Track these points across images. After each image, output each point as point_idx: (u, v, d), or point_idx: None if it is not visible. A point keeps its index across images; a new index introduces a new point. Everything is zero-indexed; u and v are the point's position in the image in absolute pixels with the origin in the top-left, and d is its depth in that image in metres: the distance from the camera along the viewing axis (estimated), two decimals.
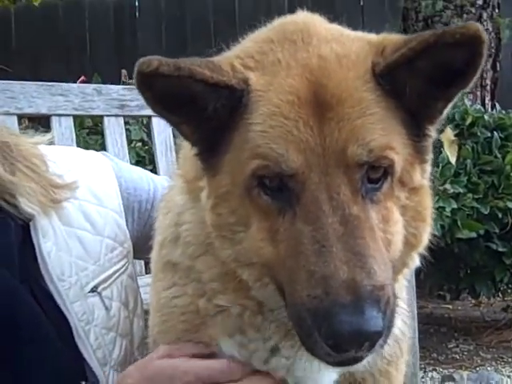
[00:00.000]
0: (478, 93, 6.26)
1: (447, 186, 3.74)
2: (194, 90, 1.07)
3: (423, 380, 3.79)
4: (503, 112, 4.31)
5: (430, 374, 3.89)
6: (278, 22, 1.22)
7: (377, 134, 1.08)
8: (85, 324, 1.41)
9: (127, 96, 2.93)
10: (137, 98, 2.95)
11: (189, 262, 1.25)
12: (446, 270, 4.43)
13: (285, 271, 1.07)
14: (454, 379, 3.69)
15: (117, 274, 1.49)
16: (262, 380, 1.22)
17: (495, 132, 3.97)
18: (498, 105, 5.10)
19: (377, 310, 1.00)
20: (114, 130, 2.85)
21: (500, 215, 3.98)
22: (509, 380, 3.73)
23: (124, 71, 4.73)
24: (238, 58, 1.14)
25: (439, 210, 3.74)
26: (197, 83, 1.06)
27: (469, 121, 3.91)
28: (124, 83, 4.62)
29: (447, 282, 4.51)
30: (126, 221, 1.57)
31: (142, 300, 1.58)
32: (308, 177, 1.06)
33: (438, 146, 3.85)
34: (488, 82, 6.40)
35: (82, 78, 4.50)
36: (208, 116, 1.10)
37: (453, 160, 3.82)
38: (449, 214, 3.75)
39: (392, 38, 1.15)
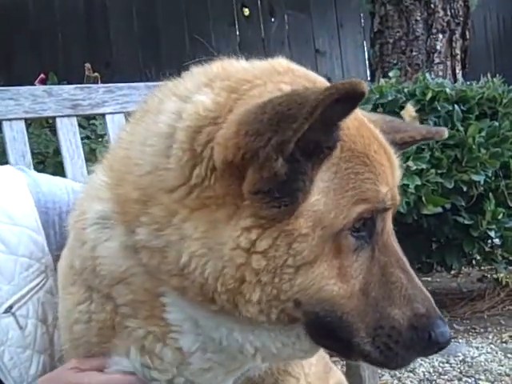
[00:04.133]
0: (449, 63, 6.28)
1: (410, 162, 3.76)
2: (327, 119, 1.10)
3: None
4: (466, 84, 4.32)
5: None
6: (273, 64, 1.27)
7: None
8: None
9: (79, 95, 2.92)
10: (89, 97, 2.96)
11: (106, 290, 1.28)
12: (417, 244, 4.47)
13: (363, 301, 1.18)
14: None
15: (33, 292, 1.50)
16: None
17: (456, 105, 3.98)
18: (461, 76, 5.13)
19: None
20: (67, 131, 2.85)
21: (465, 188, 4.01)
22: (476, 351, 3.78)
23: (88, 65, 4.71)
24: None
25: (403, 188, 3.77)
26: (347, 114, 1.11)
27: (429, 95, 3.92)
28: (88, 77, 4.60)
29: (419, 256, 4.54)
30: (48, 235, 1.57)
31: None
32: (388, 215, 1.23)
33: None
34: (458, 51, 6.41)
35: (42, 76, 4.48)
36: (305, 152, 1.13)
37: None
38: (413, 191, 3.78)
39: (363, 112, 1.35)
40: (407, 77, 5.64)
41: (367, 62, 8.07)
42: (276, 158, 1.09)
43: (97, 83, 4.32)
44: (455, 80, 5.64)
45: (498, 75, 4.46)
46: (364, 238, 1.19)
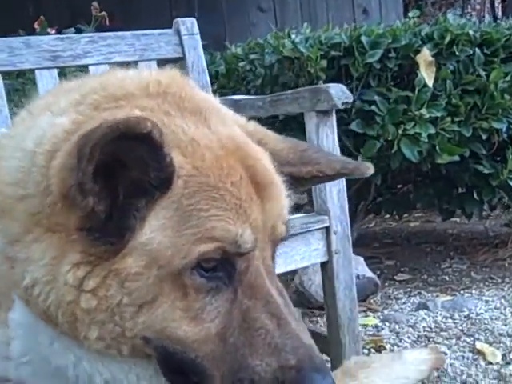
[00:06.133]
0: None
1: (423, 110, 3.56)
2: (137, 158, 1.04)
3: (402, 307, 3.77)
4: (492, 24, 4.01)
5: (411, 300, 3.86)
6: (146, 83, 1.19)
7: (287, 212, 1.21)
8: None
9: (59, 46, 2.85)
10: (70, 47, 2.88)
11: None
12: (437, 191, 4.32)
13: (220, 347, 1.09)
14: (427, 307, 3.64)
15: None
16: None
17: (478, 48, 3.71)
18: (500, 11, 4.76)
19: None
20: (47, 83, 2.79)
21: (485, 136, 3.80)
22: (484, 306, 3.65)
23: (95, 3, 4.50)
24: None
25: (415, 137, 3.60)
26: (150, 152, 1.04)
27: (448, 38, 3.66)
28: (95, 17, 4.44)
29: (440, 202, 4.39)
30: None
31: None
32: (253, 254, 1.11)
33: (413, 69, 3.66)
34: None
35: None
36: (128, 190, 1.07)
37: (430, 83, 3.61)
38: (426, 140, 3.60)
39: (268, 134, 1.32)
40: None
41: None
42: (83, 198, 1.03)
43: (105, 24, 4.21)
44: (494, 15, 5.25)
45: None
46: (221, 279, 1.10)
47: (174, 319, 1.09)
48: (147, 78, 1.22)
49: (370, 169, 1.39)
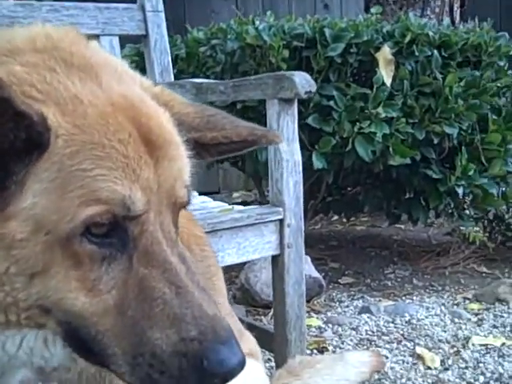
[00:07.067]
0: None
1: (379, 109, 3.51)
2: None
3: (345, 310, 3.72)
4: (451, 27, 4.00)
5: (354, 303, 3.81)
6: (34, 37, 1.12)
7: (188, 175, 1.14)
8: None
9: (19, 13, 2.69)
10: (30, 15, 2.72)
11: None
12: (386, 194, 4.30)
13: (119, 321, 1.01)
14: (370, 311, 3.61)
15: None
16: None
17: (436, 50, 3.68)
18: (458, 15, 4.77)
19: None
20: None
21: (437, 140, 3.79)
22: (425, 312, 3.64)
23: None
24: (13, 85, 1.00)
25: (370, 136, 3.55)
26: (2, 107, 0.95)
27: (408, 38, 3.62)
28: None
29: (388, 206, 4.36)
30: None
31: None
32: (147, 217, 1.04)
33: (373, 66, 3.61)
34: None
35: None
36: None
37: (388, 81, 3.57)
38: (380, 140, 3.55)
39: (175, 98, 1.25)
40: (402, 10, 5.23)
41: None
42: None
43: None
44: (452, 19, 5.26)
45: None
46: (114, 246, 1.02)
47: (69, 290, 1.01)
48: (37, 32, 1.14)
49: (278, 137, 1.34)
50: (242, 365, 1.03)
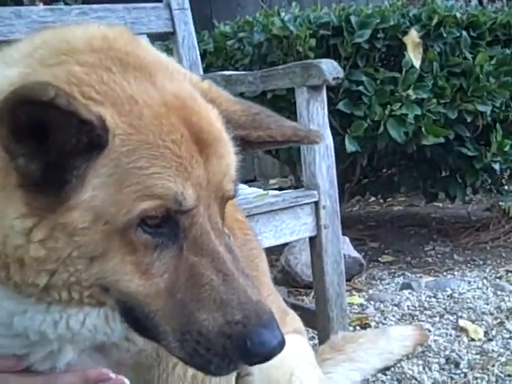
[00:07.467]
0: None
1: (410, 91, 3.60)
2: (55, 121, 1.04)
3: (386, 287, 3.81)
4: (479, 7, 4.05)
5: (395, 280, 3.90)
6: (91, 37, 1.18)
7: (235, 170, 1.21)
8: None
9: (49, 18, 2.83)
10: (60, 19, 2.86)
11: None
12: (421, 173, 4.37)
13: (169, 302, 1.12)
14: (411, 287, 3.69)
15: None
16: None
17: (464, 31, 3.74)
18: None
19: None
20: None
21: (470, 119, 3.85)
22: (467, 286, 3.70)
23: None
24: (73, 85, 1.09)
25: (402, 118, 3.63)
26: (67, 118, 1.03)
27: (435, 20, 3.69)
28: None
29: (424, 185, 4.43)
30: None
31: None
32: (197, 211, 1.12)
33: (401, 50, 3.68)
34: None
35: None
36: (59, 150, 1.07)
37: (417, 64, 3.64)
38: (412, 121, 3.63)
39: (222, 95, 1.31)
40: None
41: None
42: (12, 159, 1.06)
43: None
44: (480, 0, 5.27)
45: None
46: (166, 236, 1.11)
47: (125, 272, 1.11)
48: (93, 32, 1.21)
49: (318, 137, 1.40)
50: (281, 346, 1.12)
